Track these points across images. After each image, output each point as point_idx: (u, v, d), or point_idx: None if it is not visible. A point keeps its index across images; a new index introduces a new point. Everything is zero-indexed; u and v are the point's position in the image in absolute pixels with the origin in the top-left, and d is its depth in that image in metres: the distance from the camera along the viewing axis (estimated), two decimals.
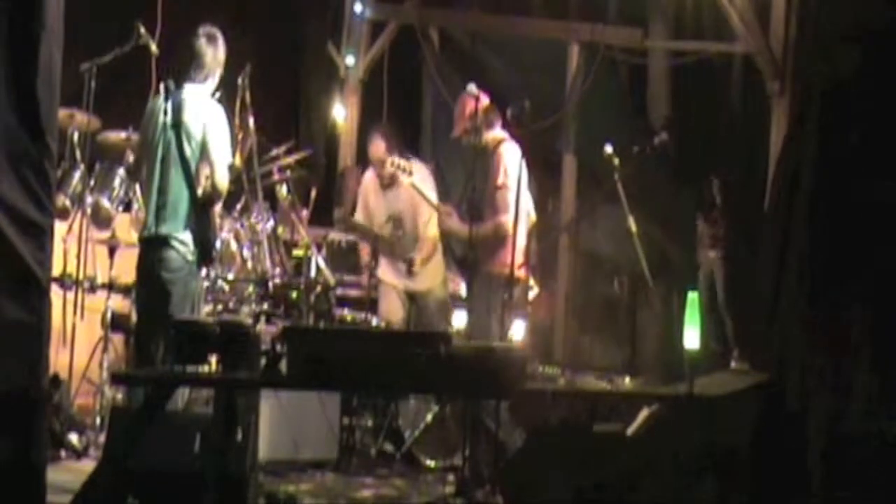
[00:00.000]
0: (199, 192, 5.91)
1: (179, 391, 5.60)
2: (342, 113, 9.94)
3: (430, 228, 7.61)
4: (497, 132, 6.61)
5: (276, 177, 7.39)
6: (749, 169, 9.04)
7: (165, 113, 5.86)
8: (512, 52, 9.66)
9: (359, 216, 7.81)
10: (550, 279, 9.07)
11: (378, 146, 7.63)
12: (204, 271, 6.46)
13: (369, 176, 7.87)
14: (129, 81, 6.46)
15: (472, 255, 6.47)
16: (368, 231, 7.62)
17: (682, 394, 4.94)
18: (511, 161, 6.45)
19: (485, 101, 6.63)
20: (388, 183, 7.65)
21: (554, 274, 9.20)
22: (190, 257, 5.89)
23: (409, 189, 7.38)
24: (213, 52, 6.06)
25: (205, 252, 5.95)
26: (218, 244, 6.63)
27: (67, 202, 7.19)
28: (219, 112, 6.03)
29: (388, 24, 9.96)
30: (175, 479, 4.90)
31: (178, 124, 5.88)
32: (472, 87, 6.49)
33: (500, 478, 5.81)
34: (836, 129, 4.91)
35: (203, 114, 5.93)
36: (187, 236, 5.87)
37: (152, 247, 5.96)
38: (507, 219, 6.35)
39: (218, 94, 6.62)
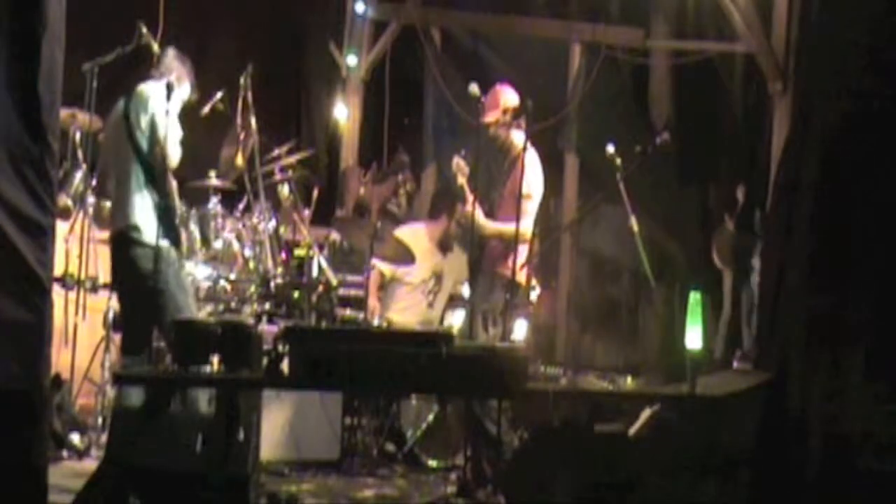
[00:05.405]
0: (154, 165, 5.94)
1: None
2: (344, 113, 9.93)
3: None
4: (521, 135, 6.47)
5: (277, 176, 7.39)
6: (750, 168, 9.05)
7: (125, 108, 5.99)
8: (514, 52, 9.65)
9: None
10: (552, 279, 9.06)
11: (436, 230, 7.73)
12: (207, 271, 6.48)
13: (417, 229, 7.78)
14: (131, 81, 6.44)
15: (477, 251, 6.45)
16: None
17: (684, 394, 4.93)
18: (535, 170, 6.40)
19: (516, 99, 6.55)
20: (447, 245, 7.74)
21: (556, 274, 9.20)
22: (161, 244, 5.88)
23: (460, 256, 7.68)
24: (175, 56, 6.15)
25: (169, 234, 5.93)
26: (220, 244, 6.64)
27: (69, 202, 7.19)
28: (159, 97, 6.00)
29: (389, 23, 9.96)
30: (177, 480, 4.89)
31: (127, 116, 5.99)
32: (473, 88, 6.47)
33: (501, 478, 5.80)
34: (838, 129, 4.91)
35: (149, 103, 5.96)
36: (151, 226, 5.86)
37: (120, 247, 6.00)
38: (528, 226, 6.38)
39: (220, 94, 6.65)
